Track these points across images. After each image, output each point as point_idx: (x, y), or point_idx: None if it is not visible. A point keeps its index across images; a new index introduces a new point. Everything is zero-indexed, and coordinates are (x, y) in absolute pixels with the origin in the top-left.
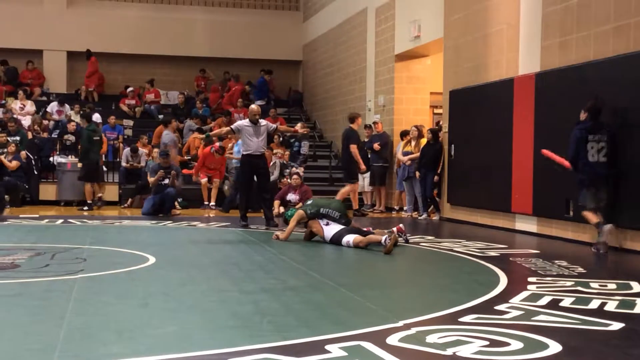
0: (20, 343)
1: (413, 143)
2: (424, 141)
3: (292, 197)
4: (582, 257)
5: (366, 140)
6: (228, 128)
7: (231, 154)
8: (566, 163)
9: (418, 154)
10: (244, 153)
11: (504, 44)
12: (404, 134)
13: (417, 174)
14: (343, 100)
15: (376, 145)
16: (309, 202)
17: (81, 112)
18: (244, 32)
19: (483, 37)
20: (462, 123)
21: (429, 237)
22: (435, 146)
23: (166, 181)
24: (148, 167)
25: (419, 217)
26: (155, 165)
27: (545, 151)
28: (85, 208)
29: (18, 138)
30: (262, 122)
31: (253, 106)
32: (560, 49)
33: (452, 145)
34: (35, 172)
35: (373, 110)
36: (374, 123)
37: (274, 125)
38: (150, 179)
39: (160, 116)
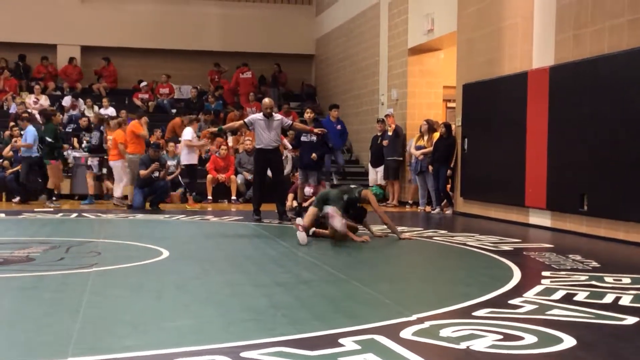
0: (36, 336)
1: (426, 137)
2: (436, 135)
3: (306, 190)
4: (597, 251)
5: (379, 134)
6: (241, 122)
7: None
8: None
9: (431, 148)
10: (257, 147)
11: (517, 38)
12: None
13: (430, 168)
14: (356, 94)
15: (385, 142)
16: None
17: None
18: (257, 26)
19: (497, 30)
20: (476, 117)
21: (442, 232)
22: (449, 140)
23: (156, 174)
24: (140, 161)
25: (432, 212)
26: (145, 157)
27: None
28: (54, 199)
29: None
30: (277, 116)
31: (266, 100)
32: (574, 42)
33: (466, 139)
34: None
35: (386, 104)
36: (386, 116)
37: (289, 122)
38: (142, 172)
39: (173, 110)
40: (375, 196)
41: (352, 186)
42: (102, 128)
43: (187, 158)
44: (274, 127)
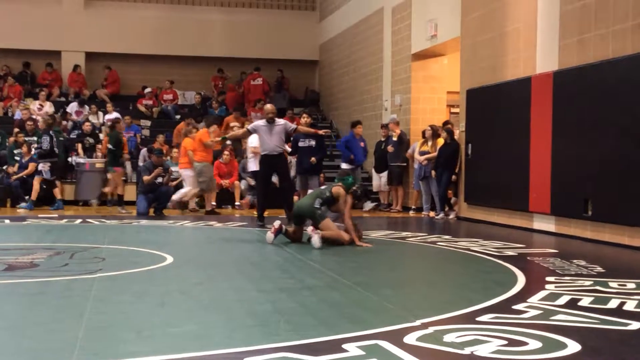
0: (40, 341)
1: (430, 143)
2: (441, 141)
3: None
4: (601, 256)
5: (382, 139)
6: (244, 130)
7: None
8: None
9: (435, 154)
10: (262, 153)
11: (521, 43)
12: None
13: (433, 173)
14: (359, 99)
15: (390, 148)
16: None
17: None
18: (261, 32)
19: (500, 35)
20: (479, 122)
21: (446, 237)
22: (452, 146)
23: (160, 180)
24: (143, 167)
25: (436, 217)
26: (148, 164)
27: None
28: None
29: (35, 138)
30: (280, 121)
31: (268, 105)
32: (578, 47)
33: (469, 145)
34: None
35: (390, 109)
36: (390, 122)
37: (294, 126)
38: (145, 177)
39: (177, 116)
40: (348, 186)
41: (322, 187)
42: (51, 132)
43: (254, 164)
44: (277, 132)
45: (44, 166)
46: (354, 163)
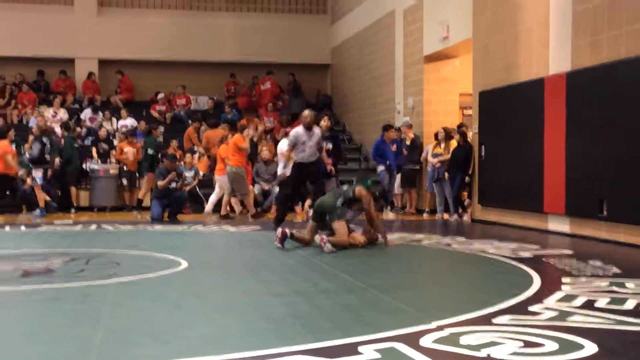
0: (57, 346)
1: (443, 145)
2: (454, 143)
3: None
4: (617, 257)
5: None
6: (288, 148)
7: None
8: None
9: (448, 156)
10: (297, 161)
11: (533, 43)
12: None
13: (446, 175)
14: (372, 102)
15: (403, 151)
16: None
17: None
18: (272, 36)
19: (512, 36)
20: (492, 124)
21: (460, 239)
22: (465, 147)
23: (173, 185)
24: (157, 172)
25: (450, 219)
26: (162, 169)
27: None
28: (73, 211)
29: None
30: (317, 130)
31: (305, 111)
32: (591, 48)
33: (482, 146)
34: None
35: (402, 112)
36: (403, 126)
37: (323, 145)
38: (160, 182)
39: (190, 121)
40: (367, 188)
41: (344, 187)
42: (44, 139)
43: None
44: (315, 142)
45: (36, 172)
46: (389, 168)
